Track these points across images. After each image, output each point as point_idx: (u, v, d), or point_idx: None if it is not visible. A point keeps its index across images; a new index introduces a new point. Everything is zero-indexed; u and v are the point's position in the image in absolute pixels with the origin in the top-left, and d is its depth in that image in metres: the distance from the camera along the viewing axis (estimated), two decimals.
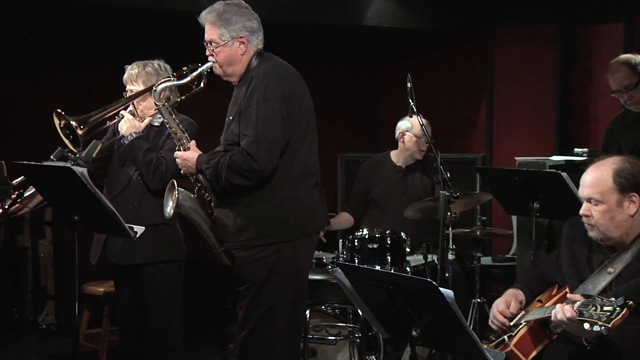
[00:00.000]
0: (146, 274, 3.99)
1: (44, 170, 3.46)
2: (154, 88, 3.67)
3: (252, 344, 3.55)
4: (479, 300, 5.31)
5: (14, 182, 3.72)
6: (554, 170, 4.34)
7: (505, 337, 3.19)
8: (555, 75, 6.54)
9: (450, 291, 2.53)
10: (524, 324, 3.16)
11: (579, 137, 6.45)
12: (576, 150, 5.37)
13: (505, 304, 3.27)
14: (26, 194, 3.85)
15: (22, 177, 3.71)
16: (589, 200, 3.08)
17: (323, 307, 4.74)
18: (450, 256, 4.87)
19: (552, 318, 2.85)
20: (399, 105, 4.98)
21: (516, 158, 5.16)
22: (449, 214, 4.40)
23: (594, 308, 2.64)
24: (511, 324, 3.23)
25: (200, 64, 3.60)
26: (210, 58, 3.57)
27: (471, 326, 4.55)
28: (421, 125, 4.56)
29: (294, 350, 3.66)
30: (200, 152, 3.59)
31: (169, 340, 4.08)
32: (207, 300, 6.45)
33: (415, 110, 4.30)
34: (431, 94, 6.89)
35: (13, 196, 3.73)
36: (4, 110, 6.34)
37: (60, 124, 3.75)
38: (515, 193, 4.45)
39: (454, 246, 4.98)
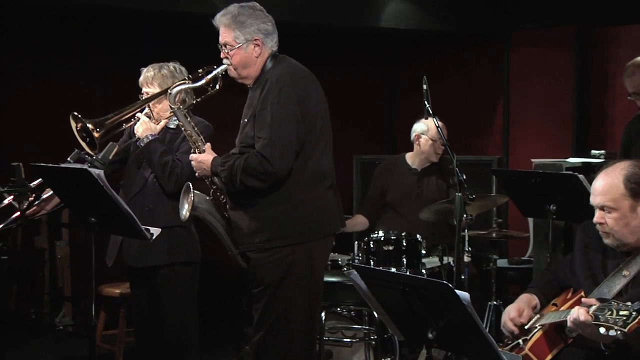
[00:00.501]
0: (162, 276, 4.00)
1: (61, 172, 3.47)
2: (169, 91, 3.68)
3: (268, 345, 3.55)
4: (495, 302, 5.29)
5: (31, 184, 3.74)
6: (571, 172, 4.32)
7: (520, 340, 3.18)
8: (572, 77, 6.51)
9: (466, 293, 2.53)
10: (538, 327, 3.15)
11: (596, 139, 6.42)
12: (593, 152, 5.34)
13: (517, 311, 3.25)
14: (44, 196, 3.87)
15: (40, 179, 3.73)
16: (601, 208, 3.06)
17: (338, 309, 4.74)
18: (466, 258, 4.85)
19: (568, 322, 2.84)
20: (415, 108, 4.97)
21: (532, 160, 5.14)
22: (464, 216, 4.38)
23: (609, 312, 2.62)
24: (526, 327, 3.22)
25: (215, 67, 3.61)
26: (225, 60, 3.58)
27: (487, 329, 4.52)
28: (437, 127, 4.55)
29: (310, 352, 3.66)
30: (215, 155, 3.60)
31: (185, 341, 4.08)
32: (222, 302, 6.46)
33: (431, 112, 4.28)
34: (447, 96, 6.88)
35: (30, 198, 3.75)
36: (22, 113, 6.38)
37: (77, 127, 3.77)
38: (531, 195, 4.43)
39: (469, 248, 4.96)
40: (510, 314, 3.25)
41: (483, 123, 7.18)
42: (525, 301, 3.31)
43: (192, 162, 3.65)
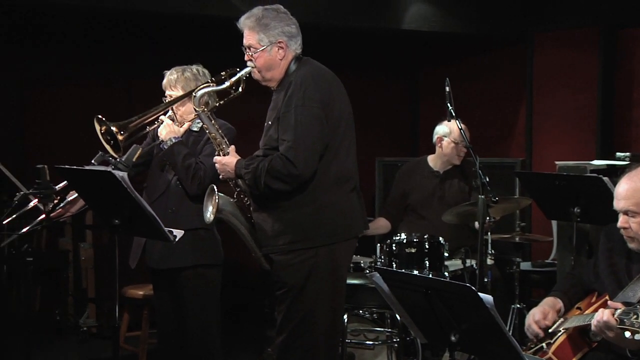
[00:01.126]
0: (184, 278, 4.02)
1: (85, 175, 3.50)
2: (193, 94, 3.70)
3: (291, 347, 3.55)
4: (518, 306, 5.26)
5: (56, 186, 3.77)
6: (595, 174, 4.29)
7: (544, 344, 3.16)
8: (596, 79, 6.46)
9: (490, 296, 2.51)
10: (562, 331, 3.12)
11: (620, 142, 6.36)
12: (618, 154, 5.29)
13: (541, 314, 3.23)
14: (68, 199, 3.90)
15: (65, 181, 3.76)
16: (625, 212, 3.04)
17: (361, 311, 4.74)
18: (489, 261, 4.83)
19: (592, 325, 2.82)
20: (437, 110, 4.96)
21: (556, 162, 5.10)
22: (487, 218, 4.37)
23: (635, 316, 2.60)
24: (550, 330, 3.20)
25: (238, 69, 3.62)
26: (249, 63, 3.58)
27: (510, 332, 4.49)
28: (460, 130, 4.53)
29: (332, 354, 3.66)
30: (239, 157, 3.61)
31: (208, 343, 4.10)
32: (245, 304, 6.48)
33: (454, 114, 4.27)
34: (470, 98, 6.85)
35: (55, 201, 3.78)
36: (47, 116, 6.44)
37: (101, 130, 3.80)
38: (555, 198, 4.41)
39: (492, 251, 4.94)
40: (535, 317, 3.23)
41: (506, 125, 7.14)
42: (549, 304, 3.29)
43: (216, 165, 3.66)
